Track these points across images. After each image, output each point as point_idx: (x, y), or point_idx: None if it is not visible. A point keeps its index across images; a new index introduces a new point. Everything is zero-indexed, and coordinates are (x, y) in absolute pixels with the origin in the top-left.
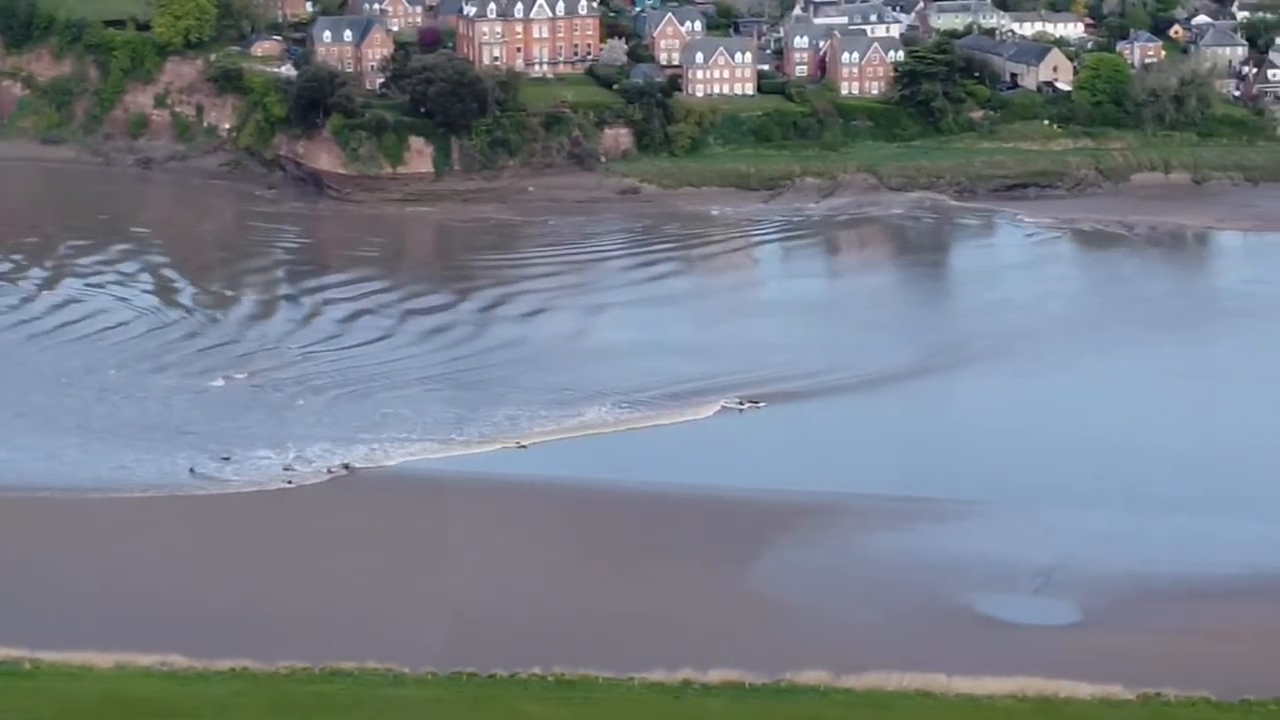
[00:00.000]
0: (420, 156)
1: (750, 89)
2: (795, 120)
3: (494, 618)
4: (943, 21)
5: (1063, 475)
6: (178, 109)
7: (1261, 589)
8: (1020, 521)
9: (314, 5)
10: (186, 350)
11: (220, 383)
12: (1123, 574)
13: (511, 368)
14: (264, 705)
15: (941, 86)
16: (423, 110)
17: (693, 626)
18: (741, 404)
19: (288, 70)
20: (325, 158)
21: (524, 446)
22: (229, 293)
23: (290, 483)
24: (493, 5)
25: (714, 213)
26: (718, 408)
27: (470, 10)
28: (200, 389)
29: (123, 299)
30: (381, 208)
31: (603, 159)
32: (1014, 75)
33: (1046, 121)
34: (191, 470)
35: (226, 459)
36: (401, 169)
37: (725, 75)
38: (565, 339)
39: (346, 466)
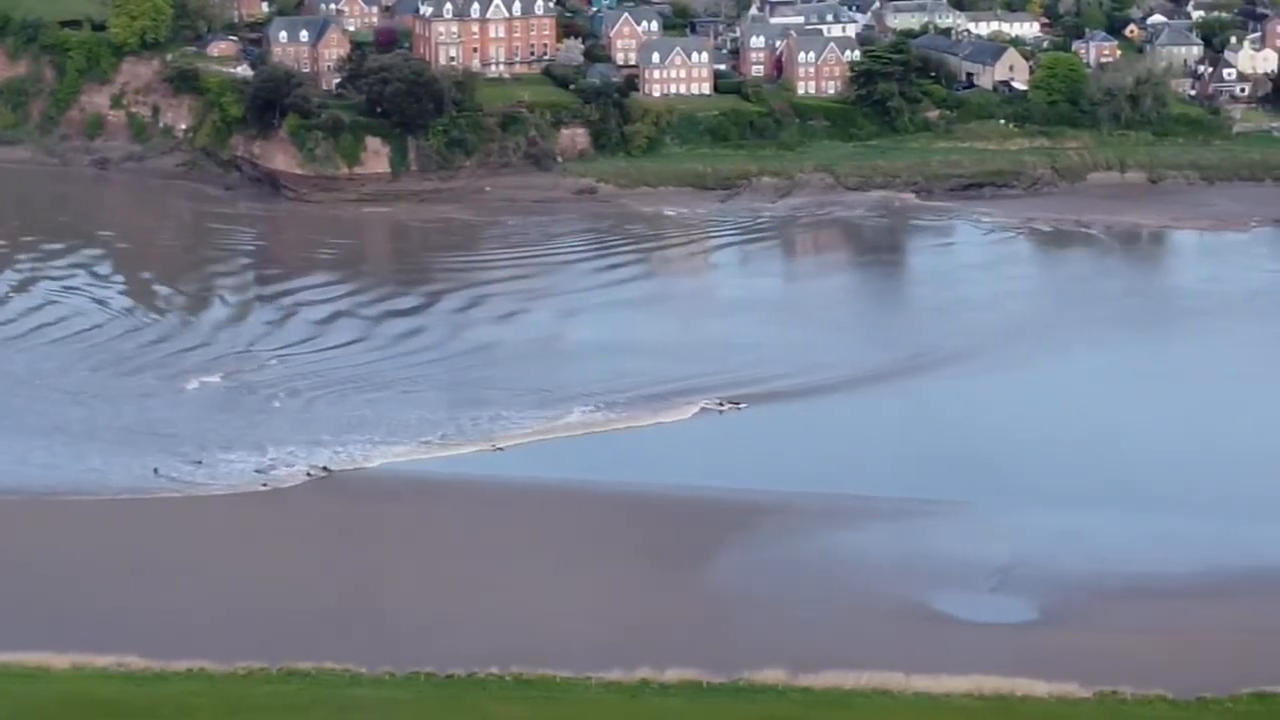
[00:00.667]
0: (377, 157)
1: (707, 89)
2: (752, 120)
3: (452, 618)
4: (899, 21)
5: (1020, 474)
6: (134, 109)
7: (1218, 588)
8: (977, 520)
9: (270, 5)
10: (160, 353)
11: (195, 385)
12: (1079, 572)
13: (486, 370)
14: (221, 706)
15: (898, 86)
16: (379, 110)
17: (651, 625)
18: (722, 405)
19: (244, 71)
20: (282, 158)
21: (501, 449)
22: (198, 295)
23: (265, 485)
24: (449, 5)
25: (672, 213)
26: (697, 409)
27: (426, 10)
28: (176, 391)
29: (98, 301)
30: (339, 208)
31: (559, 159)
32: (970, 75)
33: (1003, 121)
34: (155, 471)
35: (199, 463)
36: (358, 169)
37: (682, 75)
38: (538, 341)
39: (325, 469)
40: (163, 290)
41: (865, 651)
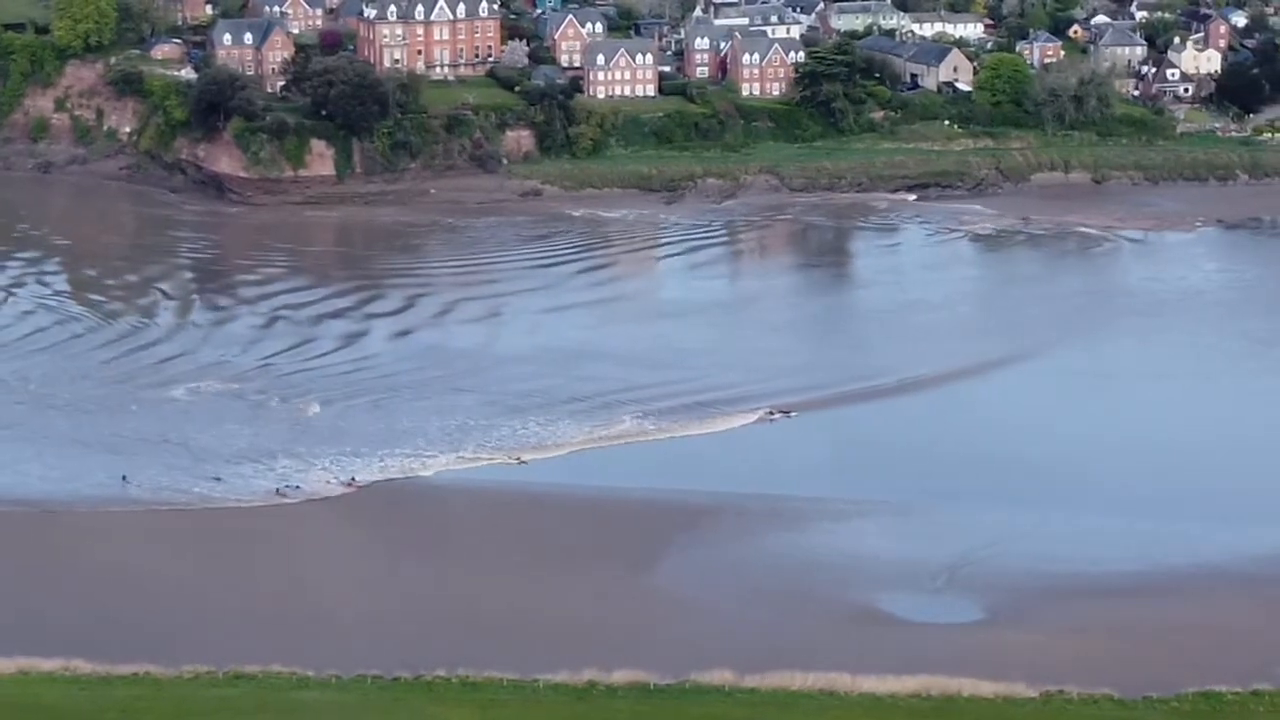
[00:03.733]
0: (321, 159)
1: (651, 90)
2: (696, 121)
3: (399, 621)
4: (843, 22)
5: (965, 475)
6: (78, 112)
7: (1162, 586)
8: (922, 520)
9: (214, 8)
10: (146, 360)
11: (181, 393)
12: (1024, 572)
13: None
14: (167, 710)
15: (842, 87)
16: (324, 113)
17: (597, 627)
18: (773, 414)
19: (188, 73)
20: (226, 161)
21: (524, 462)
22: (167, 302)
23: (282, 495)
24: (393, 8)
25: (619, 215)
26: (755, 418)
27: (371, 13)
28: (164, 400)
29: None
30: (284, 211)
31: (504, 161)
32: (914, 76)
33: (947, 122)
34: (124, 478)
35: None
36: (303, 172)
37: (626, 77)
38: (525, 345)
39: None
40: (111, 294)
41: (811, 652)
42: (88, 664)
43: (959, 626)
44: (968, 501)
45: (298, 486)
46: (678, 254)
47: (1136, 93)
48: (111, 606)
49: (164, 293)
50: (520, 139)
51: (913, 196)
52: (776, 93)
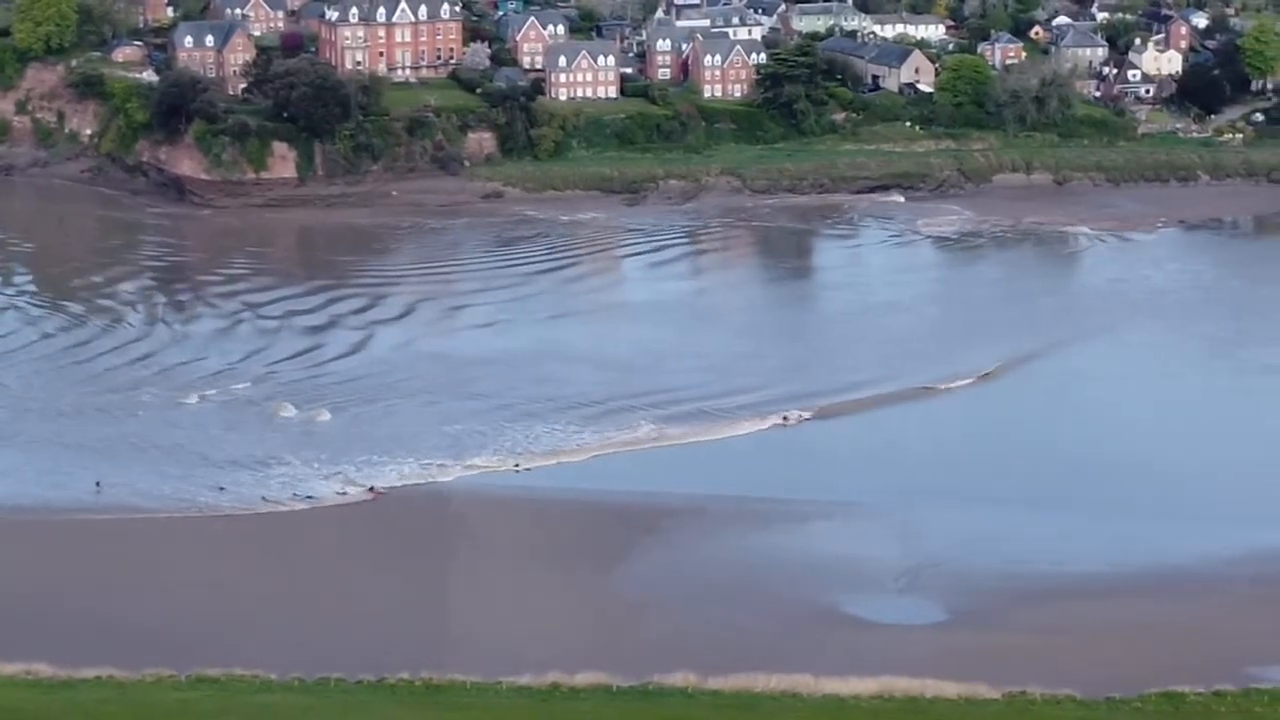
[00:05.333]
0: (283, 161)
1: (613, 92)
2: (658, 123)
3: (359, 625)
4: (804, 24)
5: (927, 476)
6: (39, 115)
7: (1124, 587)
8: (885, 522)
9: (175, 10)
10: (153, 369)
11: (194, 400)
12: (987, 573)
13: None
14: (129, 713)
15: (804, 89)
16: (285, 115)
17: (561, 630)
18: (786, 418)
19: (150, 76)
20: (188, 163)
21: (526, 469)
22: (164, 309)
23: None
24: (355, 10)
25: (586, 217)
26: (769, 424)
27: (332, 15)
28: (174, 406)
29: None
30: (246, 214)
31: (466, 163)
32: (876, 77)
33: (908, 123)
34: (97, 484)
35: (222, 489)
36: (264, 174)
37: (588, 78)
38: (519, 351)
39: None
40: (76, 297)
41: (774, 654)
42: (49, 667)
43: (922, 628)
44: (931, 503)
45: (310, 496)
46: (649, 255)
47: (1098, 94)
48: (75, 610)
49: (142, 299)
50: (482, 141)
51: (901, 198)
52: (738, 94)
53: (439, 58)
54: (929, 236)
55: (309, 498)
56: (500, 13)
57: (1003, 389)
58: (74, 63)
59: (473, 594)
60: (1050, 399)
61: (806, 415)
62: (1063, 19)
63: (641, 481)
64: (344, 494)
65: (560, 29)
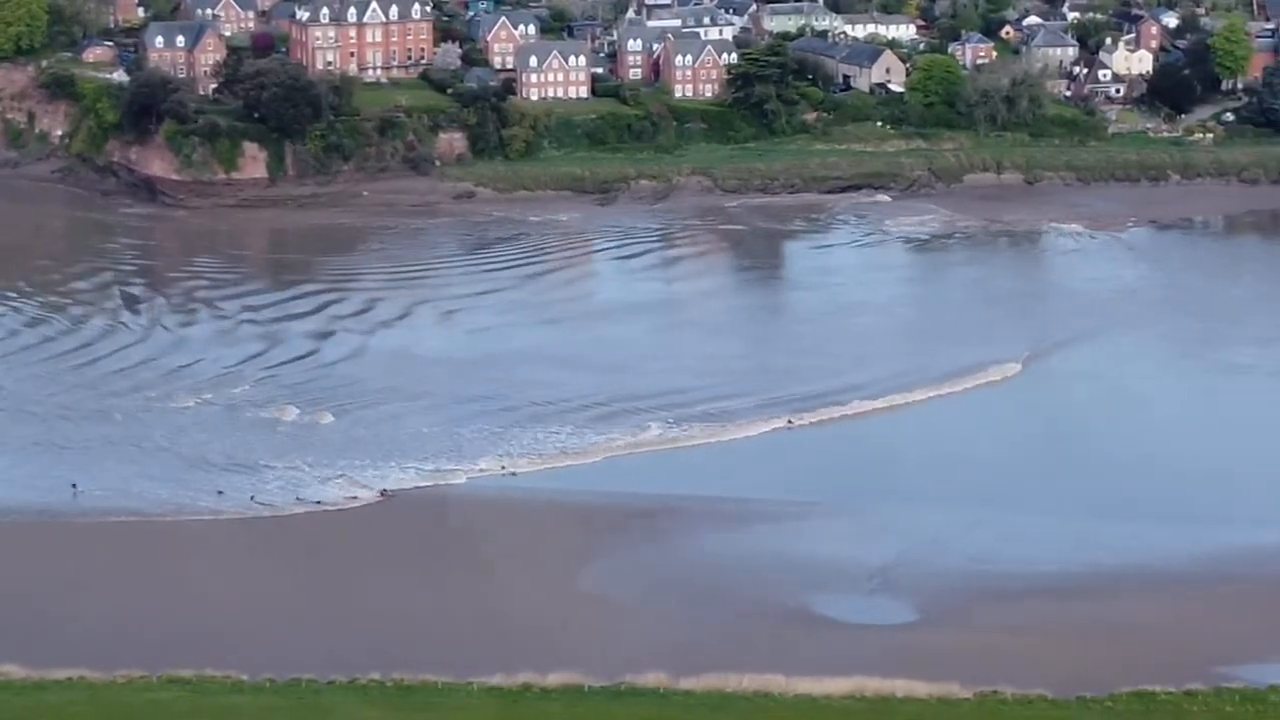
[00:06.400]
0: (254, 162)
1: (584, 92)
2: (629, 123)
3: (333, 625)
4: (775, 24)
5: (897, 476)
6: (9, 116)
7: (1095, 587)
8: (856, 522)
9: (146, 11)
10: (150, 373)
11: (191, 404)
12: (958, 573)
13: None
14: (100, 714)
15: (775, 89)
16: (256, 115)
17: (531, 630)
18: (790, 422)
19: (120, 76)
20: (159, 164)
21: (514, 474)
22: (158, 311)
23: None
24: (325, 10)
25: (558, 218)
26: (771, 427)
27: (303, 15)
28: (171, 409)
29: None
30: (217, 214)
31: (437, 163)
32: (847, 77)
33: (879, 123)
34: (74, 485)
35: (220, 492)
36: (235, 174)
37: (559, 78)
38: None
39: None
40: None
41: (746, 654)
42: (21, 669)
43: (893, 628)
44: (901, 503)
45: (318, 501)
46: (623, 256)
47: (1068, 93)
48: (47, 612)
49: (191, 306)
50: (453, 141)
51: (888, 198)
52: (709, 94)
53: (410, 58)
54: (897, 236)
55: (317, 502)
56: (471, 13)
57: (974, 389)
58: (44, 63)
59: (443, 594)
60: (1019, 398)
61: (810, 419)
62: (1033, 19)
63: (626, 483)
64: (354, 498)
65: (531, 29)
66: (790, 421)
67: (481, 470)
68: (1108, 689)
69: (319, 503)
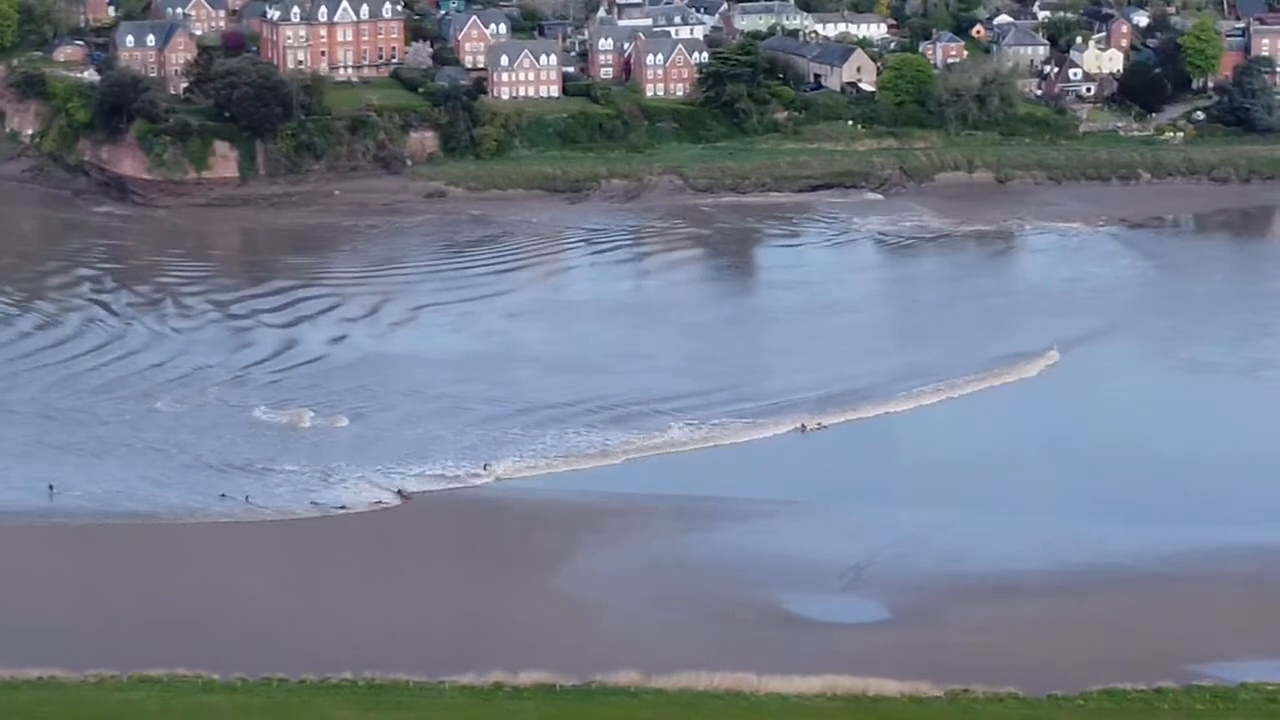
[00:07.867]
0: (225, 161)
1: (555, 91)
2: (601, 122)
3: (306, 625)
4: (746, 23)
5: (870, 474)
6: None
7: (1066, 585)
8: (827, 520)
9: (116, 10)
10: (128, 371)
11: (160, 406)
12: (930, 572)
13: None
14: (71, 714)
15: (746, 88)
16: (227, 115)
17: (503, 629)
18: (804, 427)
19: (91, 75)
20: (129, 163)
21: (500, 479)
22: (143, 311)
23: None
24: (296, 9)
25: (529, 218)
26: (788, 429)
27: (274, 14)
28: (147, 411)
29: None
30: (189, 213)
31: (409, 162)
32: (818, 76)
33: (851, 122)
34: (50, 487)
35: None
36: (206, 174)
37: (530, 78)
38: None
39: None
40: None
41: (718, 653)
42: None
43: (864, 626)
44: (873, 502)
45: (343, 507)
46: (597, 256)
47: (1039, 92)
48: (17, 612)
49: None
50: (424, 140)
51: (879, 196)
52: (680, 93)
53: (381, 57)
54: (869, 236)
55: (341, 507)
56: (442, 12)
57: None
58: (15, 62)
59: (415, 594)
60: (992, 397)
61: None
62: (1004, 18)
63: (606, 483)
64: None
65: (502, 28)
66: (803, 426)
67: (460, 474)
68: (1079, 687)
69: (314, 504)
